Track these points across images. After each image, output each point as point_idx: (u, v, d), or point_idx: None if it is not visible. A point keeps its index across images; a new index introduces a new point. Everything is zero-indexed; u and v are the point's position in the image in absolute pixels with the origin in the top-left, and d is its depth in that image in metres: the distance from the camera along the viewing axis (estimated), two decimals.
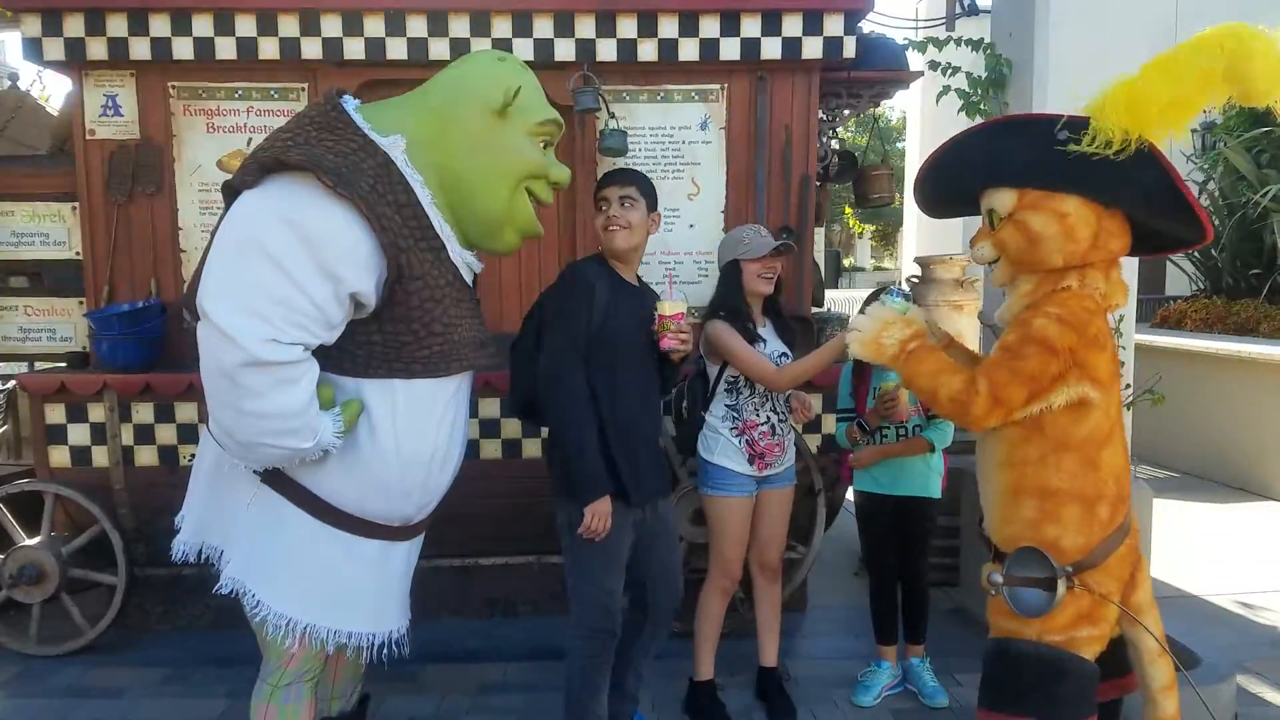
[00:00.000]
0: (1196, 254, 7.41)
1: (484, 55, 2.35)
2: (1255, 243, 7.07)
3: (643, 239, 2.69)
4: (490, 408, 3.81)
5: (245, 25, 3.58)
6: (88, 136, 3.70)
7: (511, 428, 3.84)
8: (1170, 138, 2.12)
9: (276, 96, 3.73)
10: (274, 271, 1.85)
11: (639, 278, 2.78)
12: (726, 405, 2.95)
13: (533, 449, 3.84)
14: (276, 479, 2.06)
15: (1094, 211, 2.15)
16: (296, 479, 2.05)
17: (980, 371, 2.18)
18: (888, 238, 27.42)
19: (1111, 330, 2.25)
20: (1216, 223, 6.96)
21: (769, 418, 2.96)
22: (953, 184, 2.41)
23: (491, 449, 3.85)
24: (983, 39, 3.80)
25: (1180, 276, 7.98)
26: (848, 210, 17.49)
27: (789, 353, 3.01)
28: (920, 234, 10.98)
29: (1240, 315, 6.79)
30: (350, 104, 2.14)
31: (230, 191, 2.02)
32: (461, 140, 2.14)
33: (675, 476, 3.54)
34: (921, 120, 10.64)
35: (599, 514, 2.48)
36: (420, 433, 2.13)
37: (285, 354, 1.87)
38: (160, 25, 3.57)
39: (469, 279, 2.25)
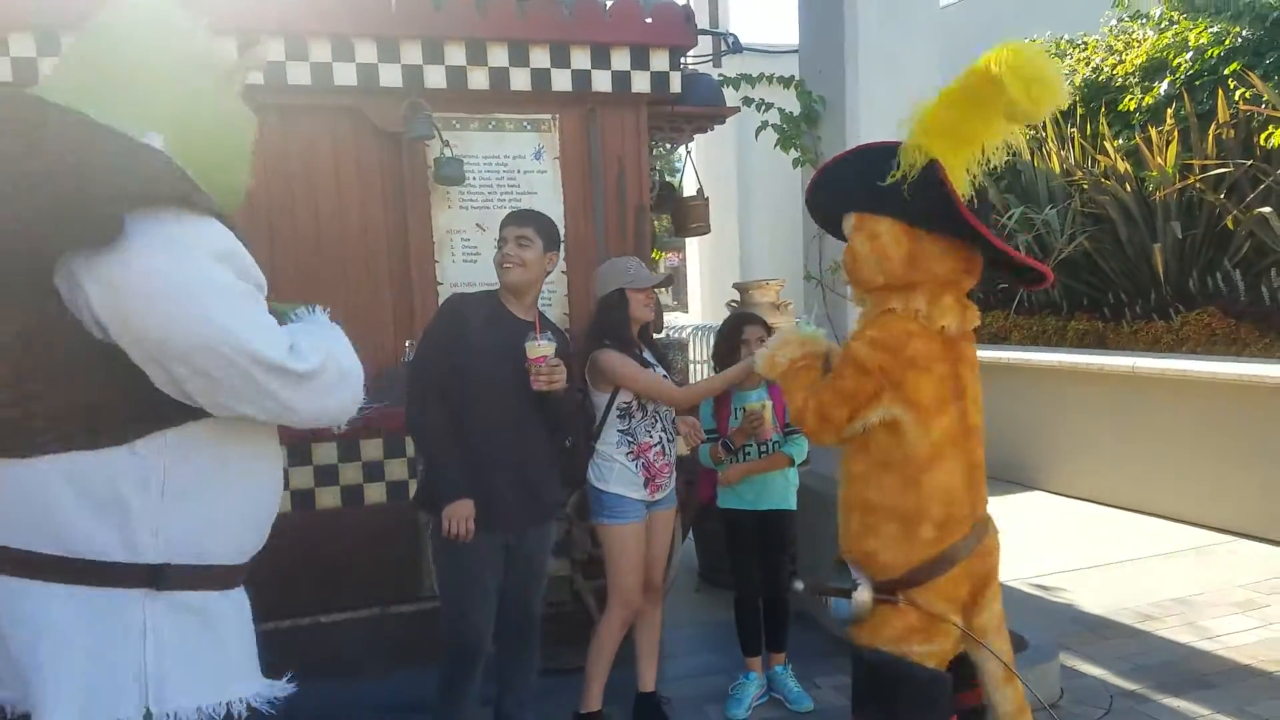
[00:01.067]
0: None
1: (169, 10, 1.75)
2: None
3: (538, 276, 2.80)
4: (325, 454, 3.57)
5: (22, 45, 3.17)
6: None
7: (351, 473, 3.62)
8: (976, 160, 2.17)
9: None
10: (256, 301, 1.54)
11: (540, 314, 2.82)
12: (620, 431, 2.95)
13: (375, 494, 3.64)
14: (168, 578, 1.60)
15: (904, 232, 2.19)
16: (191, 562, 1.62)
17: (811, 391, 2.29)
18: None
19: (921, 355, 2.18)
20: None
21: (660, 438, 3.01)
22: (824, 206, 2.53)
23: (328, 498, 3.60)
24: (793, 76, 4.07)
25: None
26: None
27: (667, 374, 3.07)
28: (703, 262, 11.49)
29: (993, 326, 7.68)
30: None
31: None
32: (212, 115, 1.72)
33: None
34: (697, 154, 11.22)
35: (454, 516, 2.59)
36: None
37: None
38: None
39: None
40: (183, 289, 1.46)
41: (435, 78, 3.56)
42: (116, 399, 1.50)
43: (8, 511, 1.54)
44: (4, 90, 1.79)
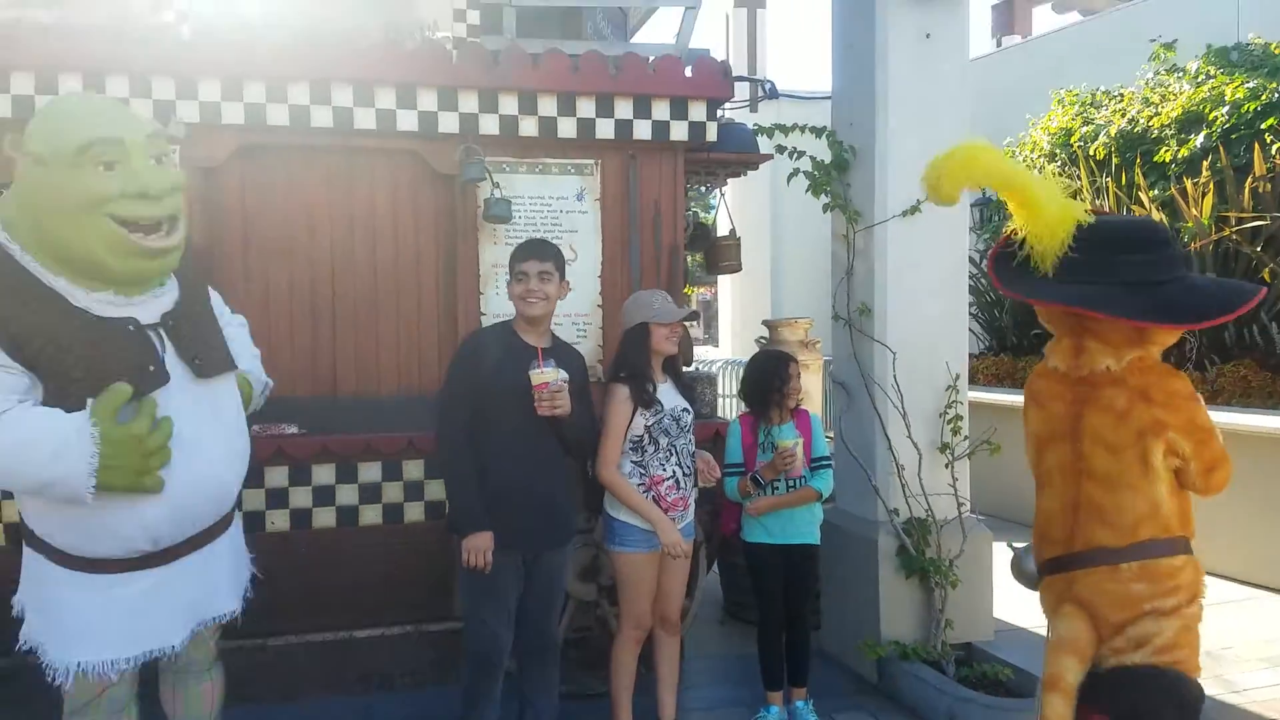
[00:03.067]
0: (983, 315, 8.39)
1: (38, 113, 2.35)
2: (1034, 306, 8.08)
3: (554, 306, 2.98)
4: (371, 472, 3.76)
5: (118, 86, 3.46)
6: None
7: (393, 492, 3.80)
8: None
9: None
10: None
11: (554, 338, 3.02)
12: (633, 462, 3.09)
13: (415, 513, 3.81)
14: (32, 540, 2.26)
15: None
16: (42, 537, 2.23)
17: None
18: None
19: (1040, 392, 2.57)
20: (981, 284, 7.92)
21: (674, 471, 3.12)
22: None
23: (371, 515, 3.78)
24: (825, 126, 4.25)
25: (969, 336, 9.00)
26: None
27: (689, 408, 3.22)
28: (734, 299, 11.65)
29: (1026, 370, 7.73)
30: None
31: None
32: (34, 199, 2.18)
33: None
34: (731, 195, 11.51)
35: (472, 548, 2.78)
36: None
37: None
38: (22, 83, 3.39)
39: (120, 314, 2.26)
40: None
41: (489, 125, 3.79)
42: None
43: None
44: None
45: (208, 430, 2.34)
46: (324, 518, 3.75)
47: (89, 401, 2.12)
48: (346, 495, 3.75)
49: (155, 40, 3.44)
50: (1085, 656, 2.45)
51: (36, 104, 3.39)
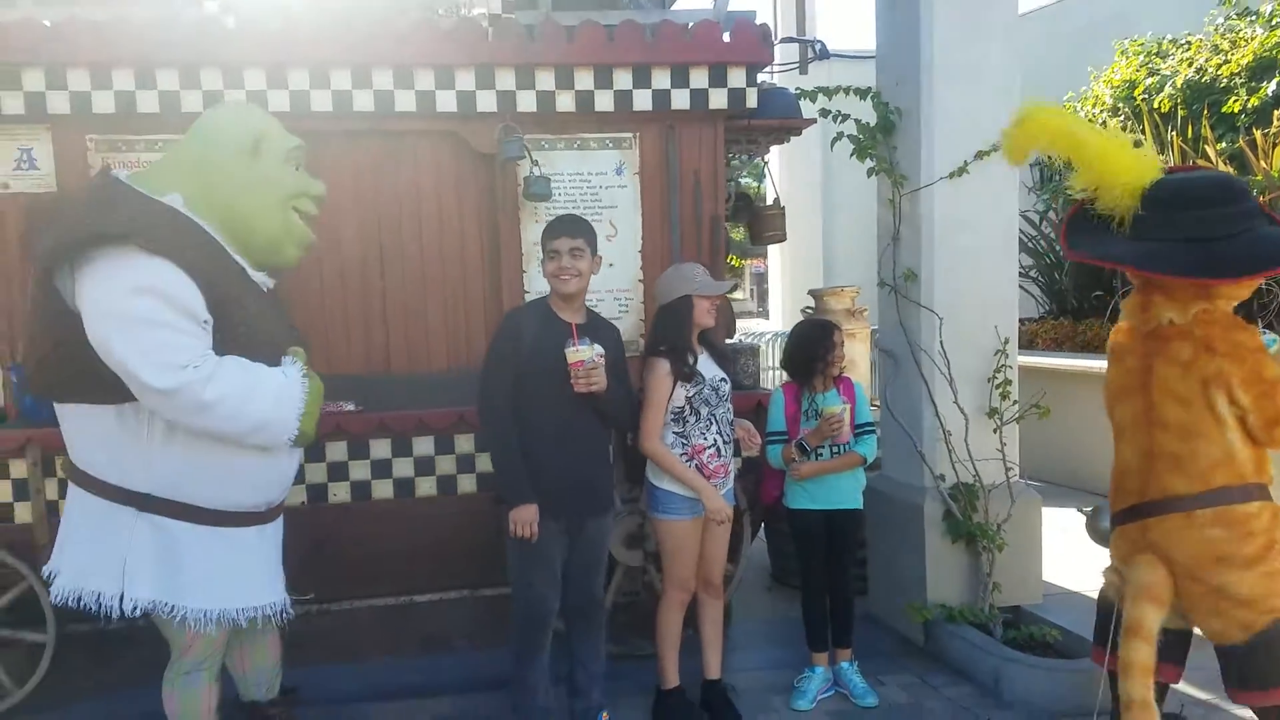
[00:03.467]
0: (1042, 278, 8.18)
1: (225, 107, 2.75)
2: (1095, 267, 7.85)
3: (588, 282, 3.03)
4: (424, 445, 3.88)
5: (168, 79, 3.59)
6: (1, 190, 3.62)
7: (445, 464, 3.92)
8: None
9: None
10: (160, 329, 2.25)
11: (590, 313, 3.09)
12: (675, 433, 3.14)
13: (467, 484, 3.93)
14: (151, 503, 2.39)
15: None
16: (170, 497, 2.39)
17: None
18: (734, 271, 29.01)
19: (1116, 346, 2.76)
20: (1058, 249, 7.72)
21: (714, 440, 3.16)
22: None
23: (426, 486, 3.92)
24: (870, 88, 4.18)
25: (1029, 300, 8.77)
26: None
27: (727, 378, 3.25)
28: (784, 268, 11.54)
29: (1086, 334, 7.52)
30: (122, 174, 2.46)
31: (44, 265, 2.30)
32: (228, 185, 2.49)
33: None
34: (780, 162, 11.31)
35: (518, 520, 2.90)
36: None
37: (203, 364, 2.28)
38: (78, 79, 3.54)
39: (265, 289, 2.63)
40: (97, 313, 2.24)
41: (526, 102, 3.84)
42: (107, 373, 2.26)
43: (69, 436, 2.48)
44: (102, 172, 2.54)
45: None
46: (382, 489, 3.90)
47: (287, 359, 2.49)
48: (402, 468, 3.89)
49: (202, 32, 3.56)
50: (1164, 603, 2.52)
51: (92, 100, 3.55)
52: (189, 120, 3.59)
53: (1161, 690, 2.71)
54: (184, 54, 3.57)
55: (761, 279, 16.54)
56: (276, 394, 2.40)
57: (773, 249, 11.49)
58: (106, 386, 2.30)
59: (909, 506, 3.96)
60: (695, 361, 3.14)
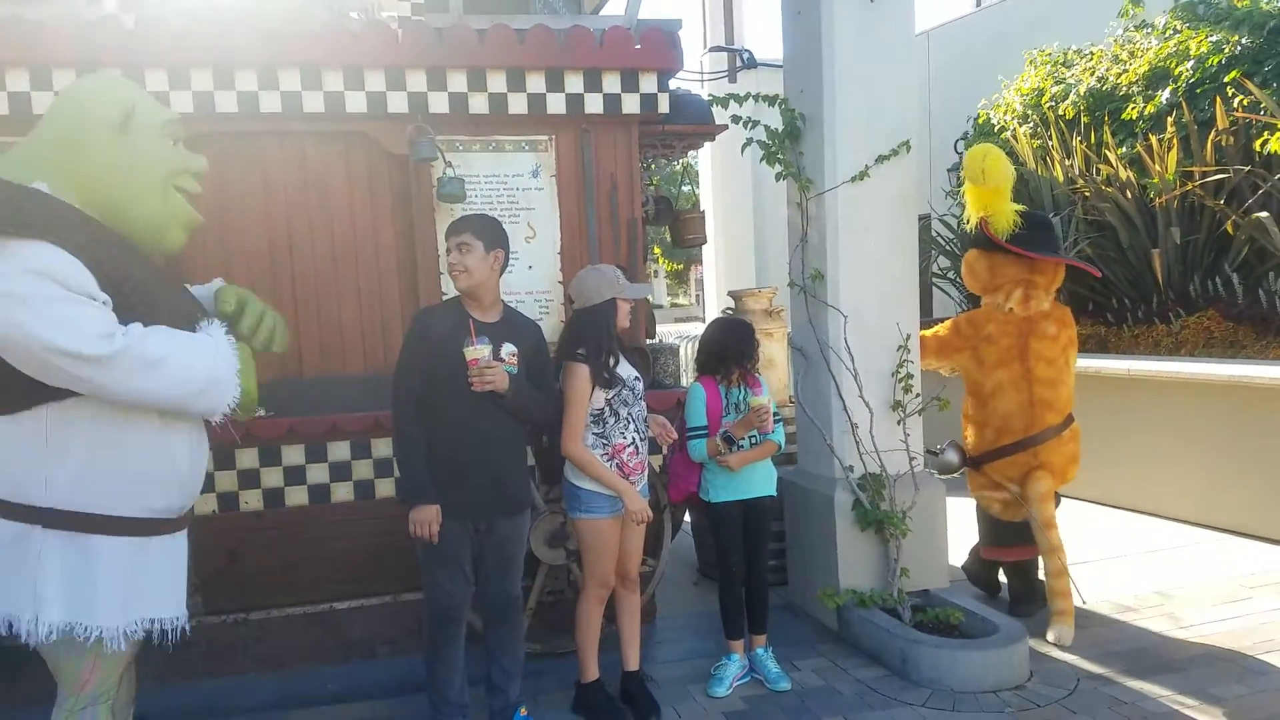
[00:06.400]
0: (955, 278, 8.47)
1: (87, 80, 2.48)
2: None
3: (485, 277, 3.01)
4: (340, 450, 3.86)
5: (64, 79, 3.52)
6: None
7: (363, 469, 3.90)
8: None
9: None
10: (67, 304, 2.08)
11: (508, 310, 3.12)
12: (594, 434, 3.17)
13: (385, 489, 3.92)
14: (54, 518, 2.19)
15: (984, 255, 4.12)
16: (73, 509, 2.20)
17: (930, 335, 4.30)
18: (680, 275, 29.12)
19: (991, 333, 4.03)
20: (957, 249, 8.01)
21: (633, 438, 3.21)
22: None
23: (343, 491, 3.89)
24: (777, 95, 4.30)
25: (948, 300, 9.04)
26: (658, 250, 18.47)
27: (640, 376, 3.31)
28: (718, 270, 11.71)
29: None
30: None
31: None
32: (97, 164, 2.28)
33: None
34: (712, 167, 11.46)
35: (417, 520, 2.93)
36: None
37: (129, 329, 2.15)
38: None
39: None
40: None
41: (439, 103, 3.85)
42: (9, 381, 2.10)
43: None
44: None
45: None
46: (296, 496, 3.86)
47: (203, 323, 2.36)
48: (317, 474, 3.86)
49: (99, 31, 3.49)
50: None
51: None
52: None
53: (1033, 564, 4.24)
54: (81, 53, 3.49)
55: (702, 283, 16.78)
56: (213, 352, 2.28)
57: (707, 252, 11.64)
58: (4, 391, 2.15)
59: (821, 497, 4.07)
60: (616, 364, 3.18)
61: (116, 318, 2.16)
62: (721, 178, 11.15)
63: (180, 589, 2.46)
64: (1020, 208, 3.99)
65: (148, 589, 2.32)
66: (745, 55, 10.62)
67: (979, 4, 12.41)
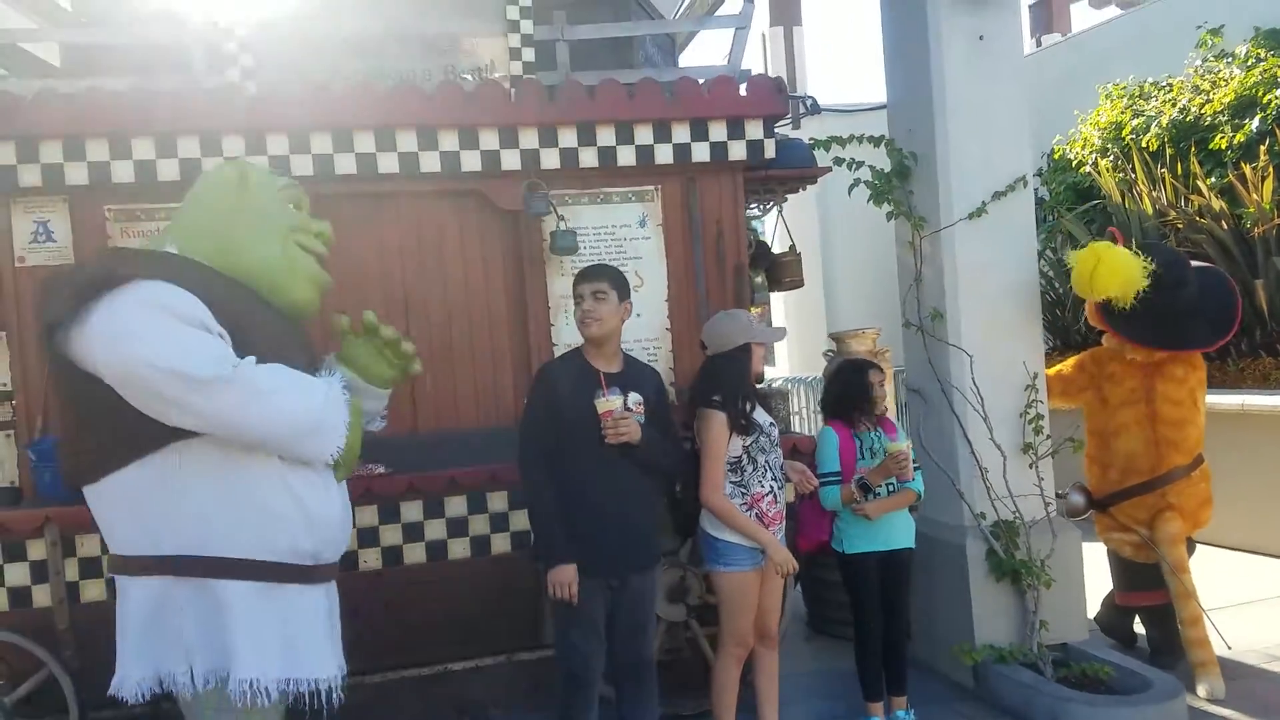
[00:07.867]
0: (1046, 315, 8.26)
1: (214, 164, 2.68)
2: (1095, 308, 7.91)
3: (616, 326, 3.00)
4: (457, 506, 3.82)
5: (189, 146, 3.59)
6: (17, 264, 3.57)
7: (479, 524, 3.84)
8: None
9: None
10: (182, 332, 2.09)
11: (629, 359, 3.07)
12: (733, 483, 3.09)
13: (501, 544, 3.85)
14: (182, 565, 2.16)
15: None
16: (201, 554, 2.16)
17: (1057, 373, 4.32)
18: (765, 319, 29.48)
19: (1114, 374, 4.00)
20: (1058, 286, 7.82)
21: (771, 486, 3.12)
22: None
23: (459, 548, 3.83)
24: (882, 135, 4.25)
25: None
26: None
27: (775, 422, 3.22)
28: (786, 312, 11.60)
29: None
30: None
31: (48, 320, 2.14)
32: (221, 213, 2.38)
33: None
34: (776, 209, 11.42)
35: (556, 581, 2.85)
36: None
37: (241, 360, 2.11)
38: (98, 149, 3.53)
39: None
40: (109, 336, 2.06)
41: (550, 159, 3.87)
42: (131, 421, 2.07)
43: (107, 524, 2.23)
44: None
45: None
46: (414, 554, 3.81)
47: (324, 371, 2.38)
48: (434, 530, 3.81)
49: (223, 99, 3.58)
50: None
51: (112, 170, 3.54)
52: None
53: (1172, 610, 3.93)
54: (205, 121, 3.57)
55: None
56: (324, 395, 2.23)
57: (775, 297, 11.55)
58: (133, 438, 2.12)
59: (951, 546, 3.92)
60: (753, 410, 3.11)
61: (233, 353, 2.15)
62: (790, 222, 11.11)
63: (328, 646, 2.36)
64: (1147, 268, 3.69)
65: (294, 641, 2.24)
66: (809, 101, 10.68)
67: (1039, 44, 12.36)
